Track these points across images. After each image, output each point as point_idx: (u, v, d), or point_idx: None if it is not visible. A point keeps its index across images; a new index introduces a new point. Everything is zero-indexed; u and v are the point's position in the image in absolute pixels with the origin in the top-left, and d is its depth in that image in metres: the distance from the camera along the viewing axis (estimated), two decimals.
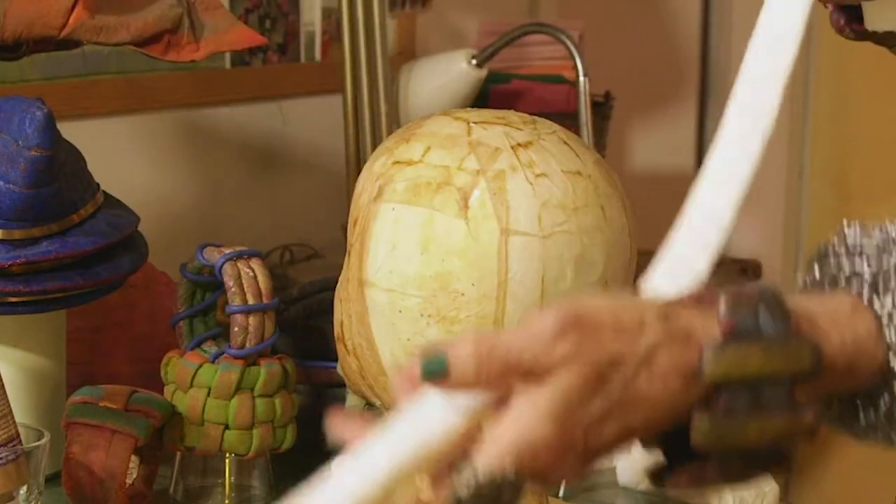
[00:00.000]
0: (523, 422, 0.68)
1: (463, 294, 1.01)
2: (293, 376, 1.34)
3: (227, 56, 2.12)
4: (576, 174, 1.05)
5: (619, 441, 0.72)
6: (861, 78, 2.90)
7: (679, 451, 0.74)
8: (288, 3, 2.21)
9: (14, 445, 1.11)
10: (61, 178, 1.30)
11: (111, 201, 1.40)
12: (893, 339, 0.75)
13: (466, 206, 1.03)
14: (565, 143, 1.07)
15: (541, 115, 1.12)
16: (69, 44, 1.39)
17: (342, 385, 1.41)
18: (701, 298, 0.73)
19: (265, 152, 2.20)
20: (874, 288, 0.76)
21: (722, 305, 0.72)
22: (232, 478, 1.34)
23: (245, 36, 1.47)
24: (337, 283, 1.11)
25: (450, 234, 1.02)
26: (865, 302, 0.76)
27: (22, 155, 1.27)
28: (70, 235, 1.32)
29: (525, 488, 0.69)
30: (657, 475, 0.76)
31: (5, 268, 1.28)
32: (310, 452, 1.39)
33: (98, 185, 1.39)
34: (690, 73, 3.15)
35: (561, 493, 1.35)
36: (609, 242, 1.05)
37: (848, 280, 0.77)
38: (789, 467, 0.74)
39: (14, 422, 1.12)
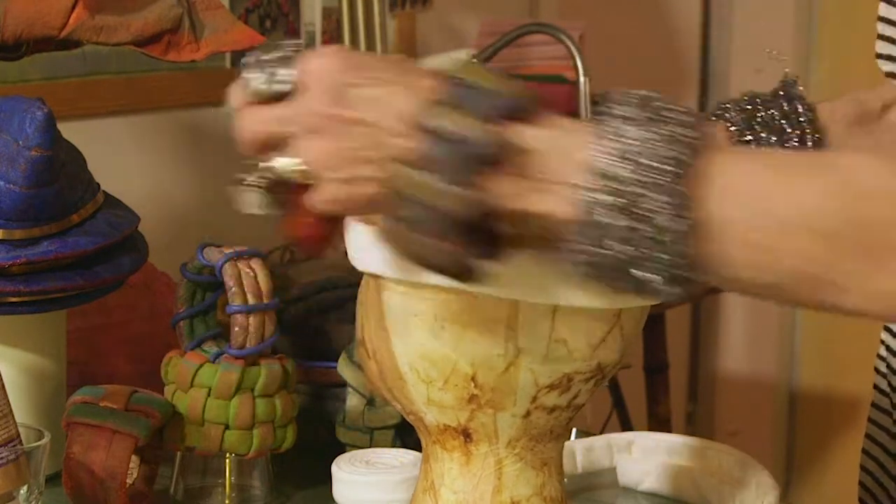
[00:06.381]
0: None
1: (476, 297, 1.01)
2: (293, 376, 1.34)
3: (227, 56, 2.12)
4: None
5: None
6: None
7: None
8: (288, 3, 2.21)
9: (14, 445, 1.11)
10: (61, 178, 1.30)
11: (111, 201, 1.40)
12: None
13: None
14: None
15: None
16: (69, 44, 1.39)
17: (342, 385, 1.41)
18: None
19: None
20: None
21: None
22: (232, 478, 1.34)
23: (245, 36, 1.47)
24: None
25: None
26: None
27: (22, 155, 1.27)
28: (70, 235, 1.32)
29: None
30: None
31: (5, 268, 1.28)
32: (310, 452, 1.40)
33: (98, 185, 1.39)
34: (690, 73, 3.15)
35: None
36: None
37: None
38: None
39: (14, 422, 1.12)
